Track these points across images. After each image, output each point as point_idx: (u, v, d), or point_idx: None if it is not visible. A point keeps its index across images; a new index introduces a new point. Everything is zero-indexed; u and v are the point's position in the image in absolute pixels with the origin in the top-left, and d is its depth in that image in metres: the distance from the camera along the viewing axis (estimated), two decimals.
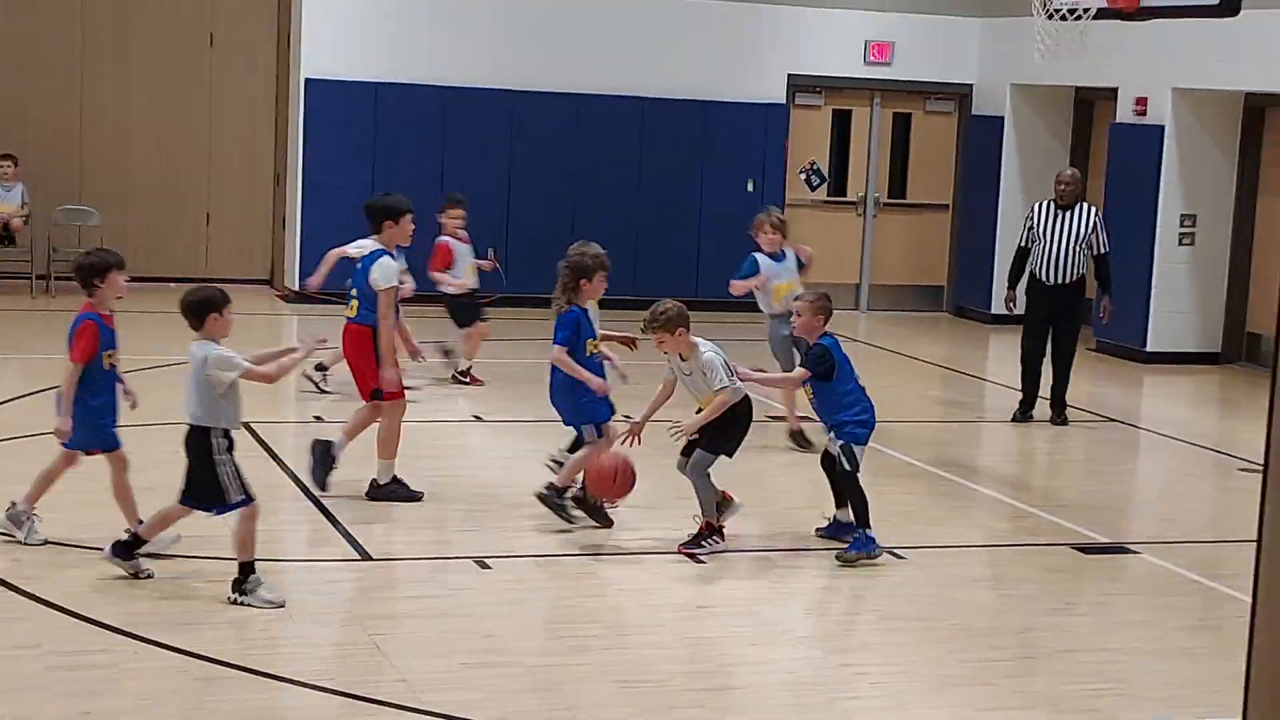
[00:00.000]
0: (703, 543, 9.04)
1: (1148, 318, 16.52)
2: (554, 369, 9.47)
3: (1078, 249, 13.19)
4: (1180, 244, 16.53)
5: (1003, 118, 18.74)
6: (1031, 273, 13.40)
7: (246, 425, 11.51)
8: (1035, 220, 13.38)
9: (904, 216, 19.53)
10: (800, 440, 11.67)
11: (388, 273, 9.74)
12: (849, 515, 9.24)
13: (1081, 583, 9.18)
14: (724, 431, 9.04)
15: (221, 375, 7.78)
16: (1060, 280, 13.23)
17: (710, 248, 18.41)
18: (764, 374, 9.93)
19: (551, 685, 7.07)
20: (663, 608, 8.25)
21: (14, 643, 7.26)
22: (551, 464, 9.95)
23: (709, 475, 9.06)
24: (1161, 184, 16.37)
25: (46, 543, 8.55)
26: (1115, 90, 16.97)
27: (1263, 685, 4.24)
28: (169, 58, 18.31)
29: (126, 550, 8.07)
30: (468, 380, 13.40)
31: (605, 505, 9.39)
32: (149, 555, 8.20)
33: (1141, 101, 16.60)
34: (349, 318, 9.97)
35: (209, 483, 7.81)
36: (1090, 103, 18.60)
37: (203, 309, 7.84)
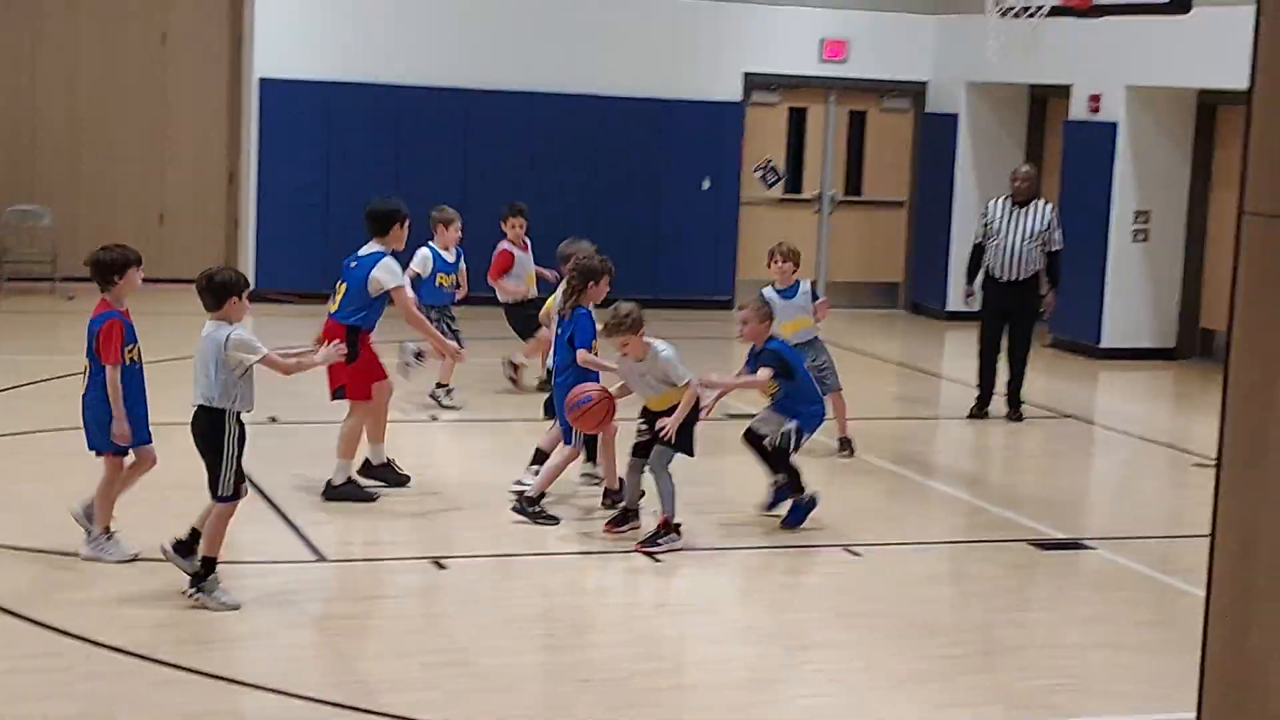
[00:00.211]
0: (659, 540, 9.05)
1: (1102, 314, 16.60)
2: (559, 369, 9.65)
3: (1033, 246, 13.24)
4: (1134, 240, 16.61)
5: (957, 115, 18.80)
6: (987, 269, 13.44)
7: None
8: (991, 217, 13.42)
9: (860, 214, 19.57)
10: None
11: (394, 272, 9.88)
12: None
13: (1038, 579, 9.22)
14: (683, 428, 9.11)
15: (243, 357, 7.71)
16: (1016, 276, 13.27)
17: (667, 246, 18.41)
18: (734, 378, 9.89)
19: (511, 685, 7.05)
20: (622, 606, 8.24)
21: None
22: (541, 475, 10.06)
23: (669, 472, 9.08)
24: (1115, 180, 16.46)
25: (137, 558, 8.37)
26: (1069, 87, 17.04)
27: (1217, 679, 4.25)
28: (121, 57, 18.19)
29: (204, 579, 7.81)
30: (515, 379, 13.36)
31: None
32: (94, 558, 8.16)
33: (1095, 99, 16.68)
34: (330, 312, 9.99)
35: (212, 467, 7.73)
36: (1044, 100, 18.68)
37: (224, 291, 7.77)
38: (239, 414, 7.76)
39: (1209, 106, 16.49)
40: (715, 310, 17.36)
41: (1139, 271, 16.65)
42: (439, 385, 12.57)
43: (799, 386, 9.69)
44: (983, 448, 12.86)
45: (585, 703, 6.87)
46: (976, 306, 13.73)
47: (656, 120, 18.40)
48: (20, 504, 9.53)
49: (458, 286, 12.75)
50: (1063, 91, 17.28)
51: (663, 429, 9.00)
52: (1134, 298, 16.66)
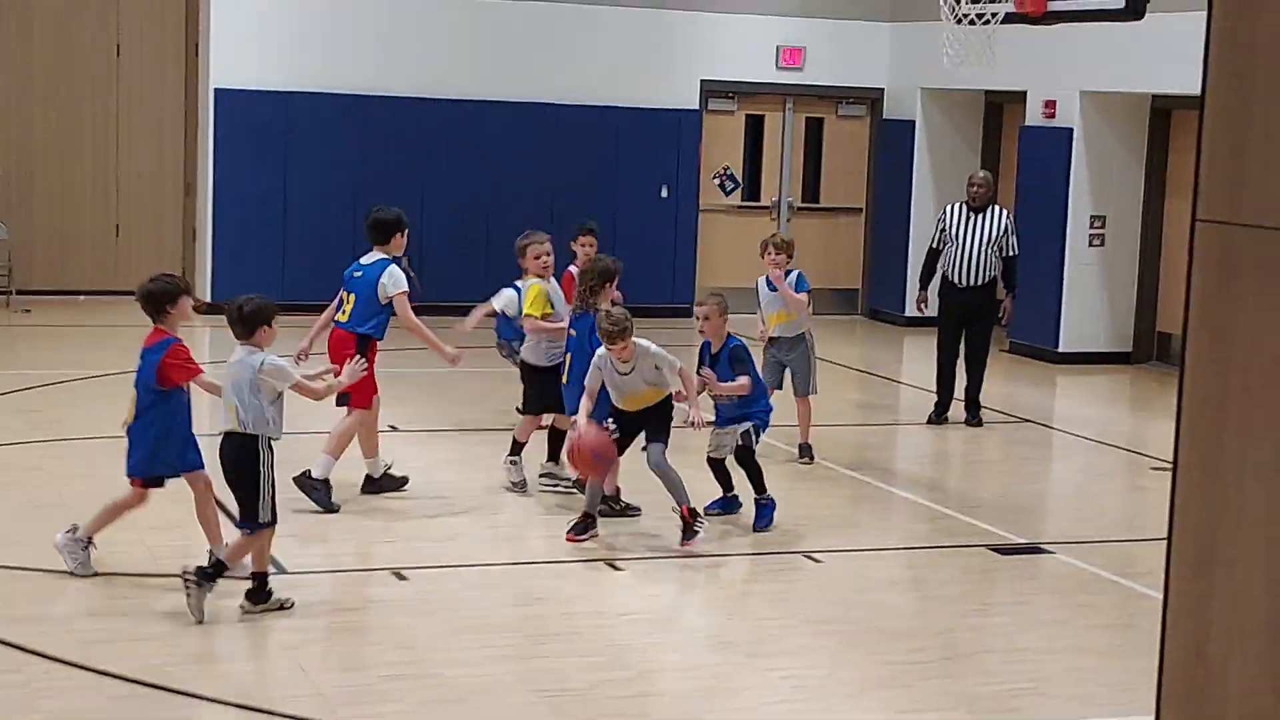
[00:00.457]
0: (696, 529, 9.21)
1: (1059, 318, 16.68)
2: (573, 363, 9.88)
3: (990, 251, 13.31)
4: (1090, 245, 16.70)
5: (914, 121, 18.87)
6: (944, 275, 13.49)
7: None
8: (947, 222, 13.48)
9: (818, 220, 19.62)
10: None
11: (398, 279, 10.05)
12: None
13: (998, 583, 9.25)
14: (667, 418, 9.34)
15: (276, 383, 7.79)
16: (973, 282, 13.33)
17: (625, 254, 18.29)
18: (724, 383, 9.86)
19: (471, 696, 7.03)
20: (583, 616, 8.23)
21: None
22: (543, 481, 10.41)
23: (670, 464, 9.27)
24: (1071, 186, 16.54)
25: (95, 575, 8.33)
26: (1024, 94, 17.12)
27: (1175, 681, 4.28)
28: (75, 69, 18.09)
29: (260, 594, 7.90)
30: None
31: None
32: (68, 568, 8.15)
33: (1050, 104, 16.77)
34: (339, 322, 10.07)
35: (249, 495, 7.78)
36: (1000, 106, 18.77)
37: (255, 320, 7.87)
38: (270, 440, 7.82)
39: (1163, 111, 16.60)
40: (675, 318, 17.33)
41: (1096, 276, 16.74)
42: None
43: (754, 384, 9.79)
44: (942, 453, 12.90)
45: (548, 713, 6.86)
46: (932, 312, 13.79)
47: (614, 128, 18.41)
48: None
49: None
50: (1018, 97, 17.36)
51: (692, 422, 9.20)
52: (1091, 302, 16.75)
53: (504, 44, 18.02)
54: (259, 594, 7.91)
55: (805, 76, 19.17)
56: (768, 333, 11.60)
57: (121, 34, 18.23)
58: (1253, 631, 4.03)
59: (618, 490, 9.94)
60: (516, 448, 10.43)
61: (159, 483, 8.32)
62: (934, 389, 13.55)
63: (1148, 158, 16.74)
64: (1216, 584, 4.14)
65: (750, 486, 9.81)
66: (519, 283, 10.81)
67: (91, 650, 7.29)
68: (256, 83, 17.31)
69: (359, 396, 9.86)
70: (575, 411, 9.95)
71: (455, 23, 17.85)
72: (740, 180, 19.33)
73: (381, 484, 10.27)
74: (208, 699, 6.89)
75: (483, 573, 8.86)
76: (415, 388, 13.61)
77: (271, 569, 8.09)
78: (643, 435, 9.44)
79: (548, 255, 10.46)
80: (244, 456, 7.79)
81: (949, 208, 13.64)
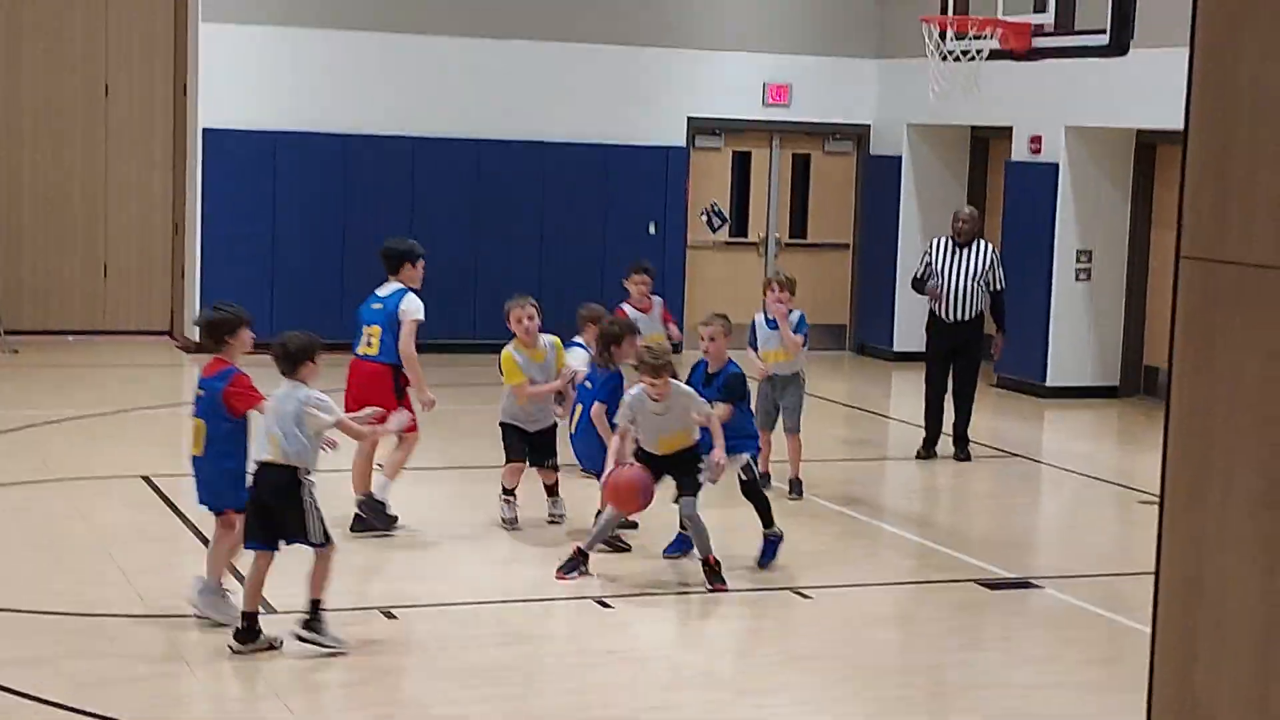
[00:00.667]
0: (722, 575, 9.23)
1: (1047, 352, 16.71)
2: (583, 414, 10.15)
3: (976, 286, 13.34)
4: (1077, 279, 16.75)
5: (900, 157, 18.93)
6: (931, 310, 13.53)
7: (145, 478, 11.44)
8: (934, 257, 13.52)
9: (805, 256, 19.65)
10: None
11: (415, 306, 10.20)
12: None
13: (987, 618, 9.25)
14: (694, 465, 9.30)
15: (322, 417, 7.89)
16: (960, 317, 13.36)
17: (613, 291, 18.38)
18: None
19: None
20: (573, 654, 8.22)
21: None
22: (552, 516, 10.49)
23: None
24: (1057, 220, 16.60)
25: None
26: (1010, 129, 17.19)
27: (1164, 715, 4.29)
28: (63, 108, 18.12)
29: (251, 633, 7.94)
30: None
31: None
32: (204, 616, 8.22)
33: (1036, 140, 16.84)
34: (367, 355, 10.16)
35: (295, 521, 7.85)
36: (986, 141, 18.84)
37: (301, 356, 7.97)
38: (308, 471, 7.91)
39: (1148, 146, 16.67)
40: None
41: (1082, 310, 16.78)
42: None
43: (744, 412, 9.83)
44: (931, 488, 12.91)
45: None
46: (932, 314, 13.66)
47: (602, 166, 18.46)
48: None
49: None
50: (1004, 133, 17.43)
51: (717, 462, 9.18)
52: (1078, 336, 16.78)
53: (491, 82, 18.06)
54: (248, 634, 7.90)
55: (792, 113, 19.23)
56: (768, 369, 11.61)
57: (110, 74, 18.27)
58: (1241, 665, 4.04)
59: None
60: (507, 489, 10.45)
61: (240, 510, 8.27)
62: (922, 424, 13.57)
63: (1133, 192, 16.81)
64: (1204, 618, 4.15)
65: (759, 520, 9.77)
66: (577, 339, 11.11)
67: (82, 693, 7.27)
68: (245, 123, 17.33)
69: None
70: (582, 458, 10.07)
71: (443, 62, 17.90)
72: (728, 216, 19.38)
73: (370, 523, 10.25)
74: None
75: (473, 611, 8.84)
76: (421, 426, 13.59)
77: (261, 608, 8.07)
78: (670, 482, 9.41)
79: (530, 320, 10.30)
80: (286, 487, 7.86)
81: (934, 242, 13.69)
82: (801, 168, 19.65)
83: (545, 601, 9.07)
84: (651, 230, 18.69)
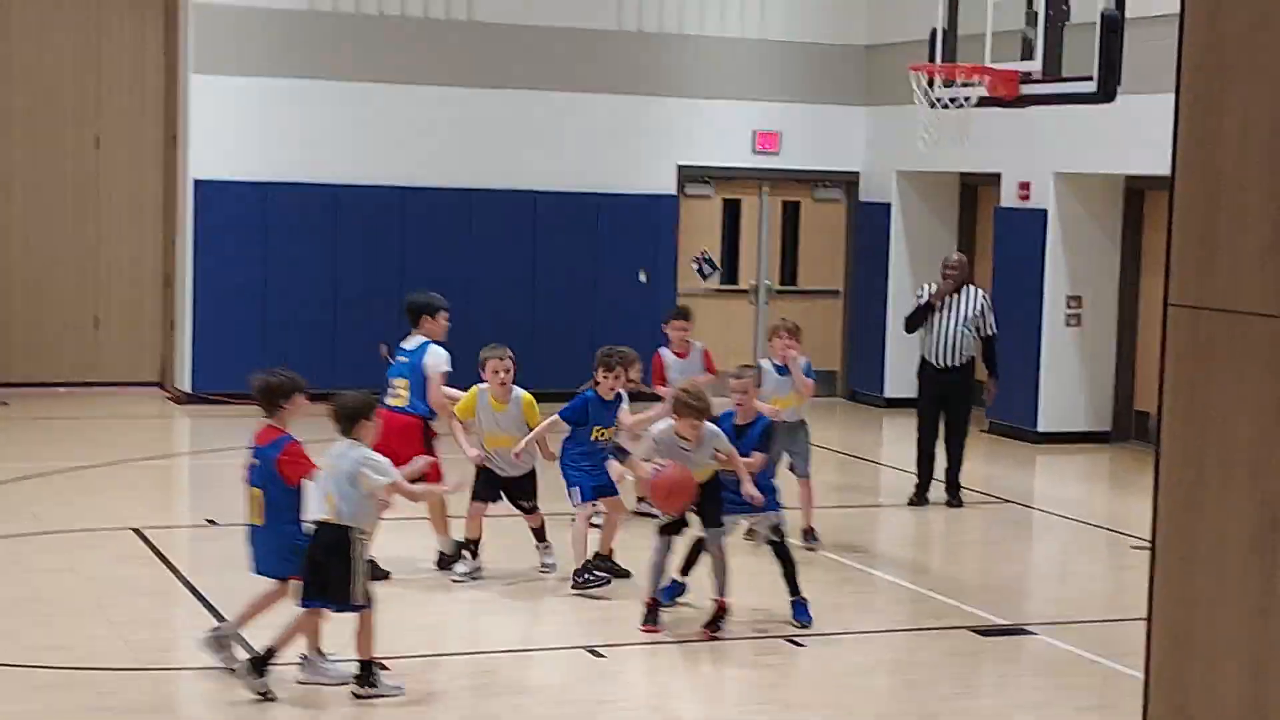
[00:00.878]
0: (722, 623, 9.24)
1: (1038, 398, 16.72)
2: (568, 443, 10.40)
3: (967, 331, 13.36)
4: (1067, 325, 16.78)
5: (890, 204, 18.99)
6: (922, 356, 13.54)
7: (136, 530, 11.41)
8: (925, 299, 13.52)
9: (796, 303, 19.67)
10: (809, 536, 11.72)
11: (439, 358, 10.43)
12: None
13: (981, 665, 9.23)
14: (719, 502, 9.33)
15: (376, 478, 7.90)
16: (950, 363, 13.38)
17: (605, 339, 18.38)
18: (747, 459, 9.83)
19: None
20: (567, 704, 8.18)
21: None
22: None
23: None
24: (1047, 266, 16.64)
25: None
26: (999, 175, 17.25)
27: None
28: (54, 160, 18.14)
29: (261, 666, 7.93)
30: None
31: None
32: (315, 683, 8.16)
33: (1025, 186, 16.89)
34: (397, 407, 10.23)
35: (340, 579, 7.84)
36: (975, 188, 18.90)
37: (357, 415, 8.02)
38: (362, 531, 7.92)
39: (1137, 191, 16.74)
40: (653, 402, 17.34)
41: (1073, 356, 16.81)
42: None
43: (770, 465, 9.86)
44: (924, 534, 12.90)
45: None
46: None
47: (593, 214, 18.50)
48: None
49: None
50: (993, 179, 17.49)
51: (751, 497, 9.23)
52: (1069, 382, 16.80)
53: (481, 132, 18.12)
54: (367, 679, 8.01)
55: (781, 160, 19.30)
56: (779, 415, 11.60)
57: (101, 125, 18.30)
58: (1232, 712, 4.03)
59: (610, 551, 10.26)
60: (469, 538, 10.38)
61: (295, 575, 8.24)
62: (914, 470, 13.56)
63: (1123, 237, 16.86)
64: (1195, 664, 4.14)
65: (785, 583, 9.64)
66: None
67: None
68: (236, 173, 17.37)
69: (431, 475, 9.77)
70: (571, 483, 10.18)
71: (433, 111, 17.95)
72: (718, 264, 19.41)
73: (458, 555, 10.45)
74: None
75: (467, 662, 8.81)
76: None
77: (264, 651, 8.02)
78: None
79: (505, 373, 10.24)
80: (338, 546, 7.86)
81: (925, 286, 13.72)
82: (792, 215, 19.70)
83: (540, 651, 9.04)
84: (642, 278, 18.72)
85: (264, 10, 17.36)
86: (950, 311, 13.38)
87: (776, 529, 9.63)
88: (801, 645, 9.22)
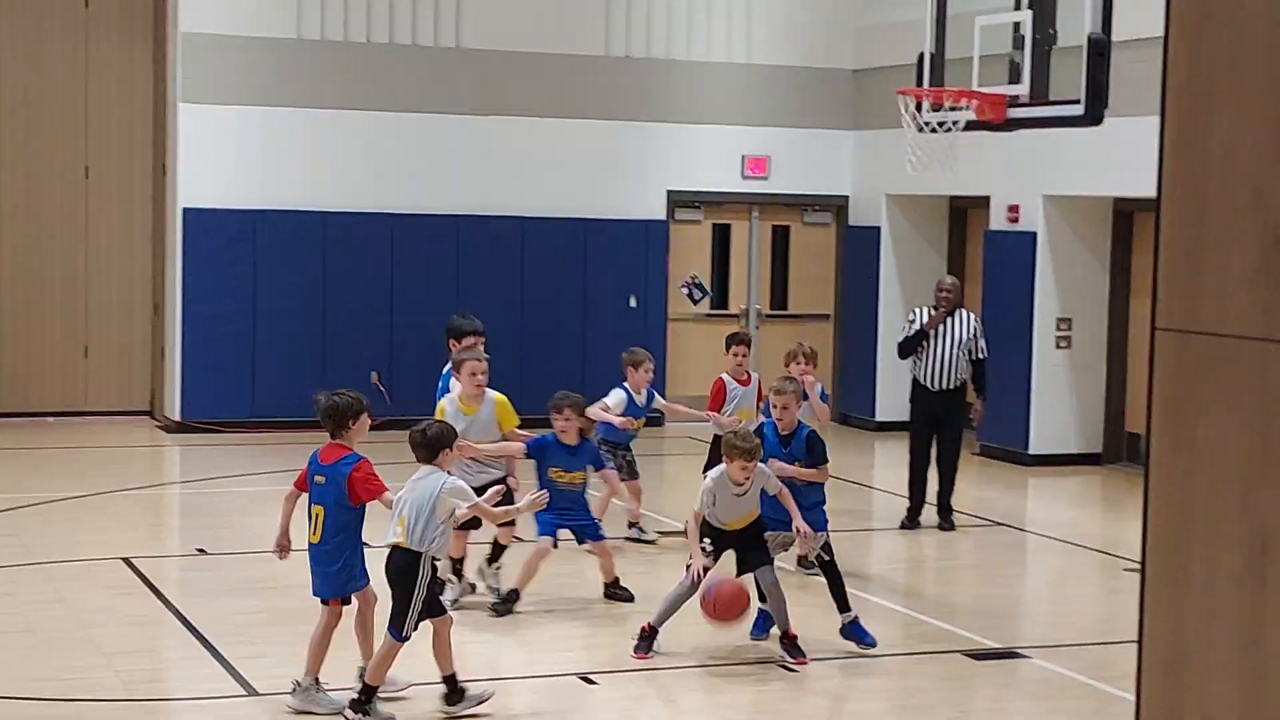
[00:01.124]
0: (800, 647, 9.29)
1: (1029, 420, 16.72)
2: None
3: (960, 354, 13.37)
4: (1058, 347, 16.79)
5: (879, 228, 19.01)
6: (915, 379, 13.54)
7: (126, 560, 11.38)
8: (918, 325, 13.52)
9: (787, 327, 19.67)
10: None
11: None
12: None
13: (975, 689, 9.21)
14: (760, 536, 9.36)
15: (456, 503, 8.00)
16: (944, 385, 13.38)
17: (595, 365, 18.42)
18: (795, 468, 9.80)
19: None
20: None
21: None
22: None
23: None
24: (1037, 289, 16.65)
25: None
26: (988, 199, 17.28)
27: None
28: (43, 190, 18.14)
29: (365, 704, 7.96)
30: None
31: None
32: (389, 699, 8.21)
33: (1014, 209, 16.91)
34: None
35: (400, 604, 7.90)
36: (964, 211, 18.92)
37: (438, 443, 8.14)
38: (432, 559, 8.00)
39: (1125, 214, 16.76)
40: (645, 427, 17.35)
41: (1063, 378, 16.81)
42: (631, 525, 12.43)
43: (814, 483, 9.83)
44: (916, 558, 12.88)
45: None
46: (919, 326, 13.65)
47: (582, 240, 18.50)
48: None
49: (637, 429, 12.53)
50: (982, 202, 17.51)
51: (802, 531, 9.37)
52: (1060, 404, 16.81)
53: (469, 158, 18.13)
54: (455, 694, 8.09)
55: (770, 185, 19.32)
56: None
57: (90, 154, 18.31)
58: None
59: (616, 579, 10.44)
60: (452, 557, 10.35)
61: (347, 600, 8.29)
62: (906, 493, 13.55)
63: (1112, 259, 16.88)
64: (1188, 689, 4.13)
65: (834, 601, 9.68)
66: (625, 384, 11.76)
67: None
68: (224, 202, 17.36)
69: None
70: (538, 518, 10.11)
71: (420, 138, 17.96)
72: (708, 289, 19.42)
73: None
74: None
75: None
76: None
77: (241, 690, 8.00)
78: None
79: (483, 374, 10.20)
80: (408, 571, 7.92)
81: (918, 310, 13.73)
82: (781, 239, 19.72)
83: (531, 679, 9.01)
84: (632, 303, 18.73)
85: (252, 39, 17.37)
86: (944, 335, 13.38)
87: (827, 546, 9.67)
88: (794, 670, 9.19)
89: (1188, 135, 4.03)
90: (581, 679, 8.93)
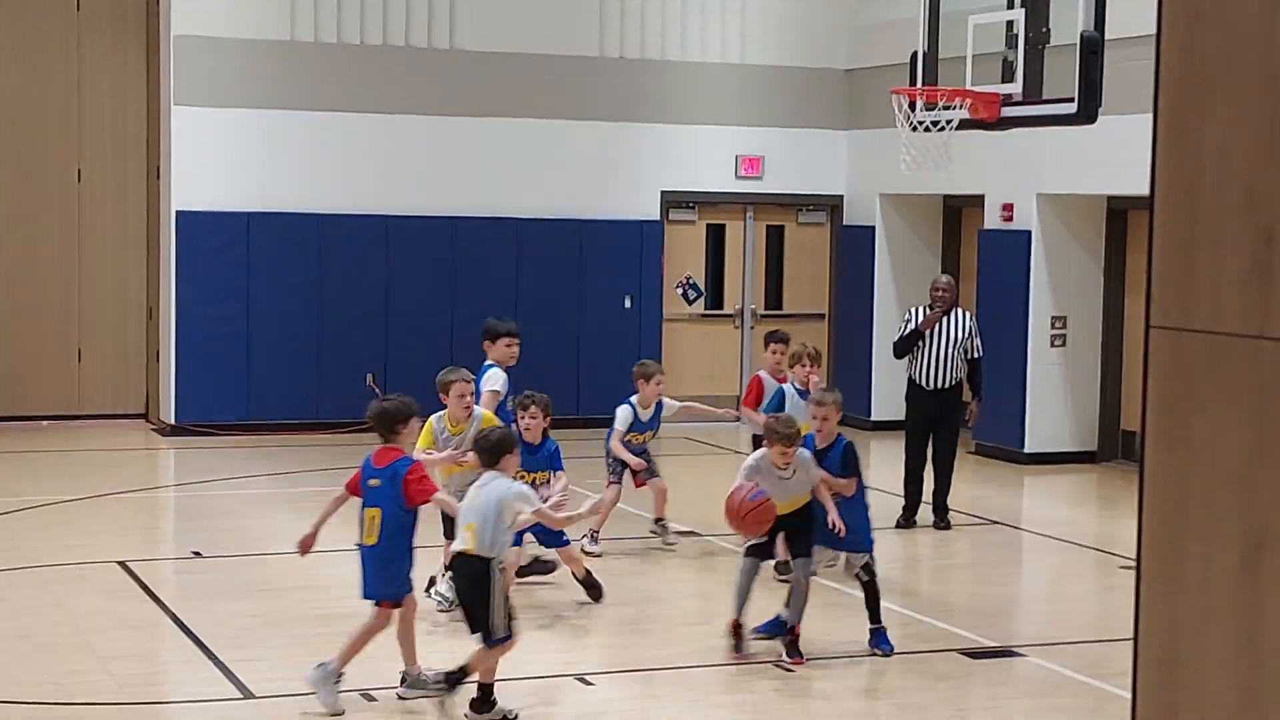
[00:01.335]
0: (799, 650, 9.30)
1: (1024, 419, 16.73)
2: None
3: (955, 353, 13.38)
4: (1052, 345, 16.79)
5: (873, 227, 19.01)
6: (911, 378, 13.55)
7: (122, 563, 11.37)
8: (914, 324, 13.53)
9: (781, 327, 19.59)
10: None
11: (490, 379, 10.91)
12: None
13: (971, 688, 9.21)
14: (807, 525, 9.44)
15: (521, 507, 8.09)
16: (940, 385, 13.38)
17: (589, 365, 18.44)
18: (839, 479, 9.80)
19: None
20: None
21: None
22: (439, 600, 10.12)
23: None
24: (1031, 287, 16.66)
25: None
26: (982, 197, 17.28)
27: None
28: (36, 193, 18.12)
29: (484, 704, 8.10)
30: None
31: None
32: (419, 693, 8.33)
33: (1008, 208, 16.92)
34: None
35: (481, 611, 7.95)
36: (958, 210, 18.92)
37: (501, 448, 8.23)
38: (500, 562, 8.04)
39: (1119, 212, 16.77)
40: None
41: (1058, 376, 16.82)
42: (657, 520, 12.35)
43: (860, 491, 9.82)
44: (912, 557, 12.88)
45: None
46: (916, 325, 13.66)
47: (577, 240, 18.50)
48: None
49: (644, 443, 12.39)
50: (976, 201, 17.52)
51: (836, 528, 9.35)
52: (1055, 402, 16.81)
53: (464, 159, 18.12)
54: (485, 704, 8.12)
55: (765, 185, 19.32)
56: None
57: (83, 158, 18.29)
58: None
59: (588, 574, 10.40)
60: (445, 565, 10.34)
61: (400, 602, 8.36)
62: (901, 493, 13.55)
63: (1106, 258, 16.89)
64: (1183, 687, 4.13)
65: (868, 611, 9.70)
66: (633, 399, 11.77)
67: None
68: (218, 204, 17.35)
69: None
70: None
71: (415, 140, 17.95)
72: (703, 289, 19.43)
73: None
74: None
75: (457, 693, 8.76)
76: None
77: (237, 693, 7.99)
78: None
79: (470, 395, 10.23)
80: (480, 578, 7.96)
81: (913, 309, 13.74)
82: (776, 239, 19.72)
83: (528, 680, 9.00)
84: (627, 304, 18.73)
85: (245, 42, 17.37)
86: (939, 334, 13.39)
87: (867, 567, 9.66)
88: (791, 671, 9.19)
89: (1180, 134, 4.03)
90: (578, 679, 8.93)
